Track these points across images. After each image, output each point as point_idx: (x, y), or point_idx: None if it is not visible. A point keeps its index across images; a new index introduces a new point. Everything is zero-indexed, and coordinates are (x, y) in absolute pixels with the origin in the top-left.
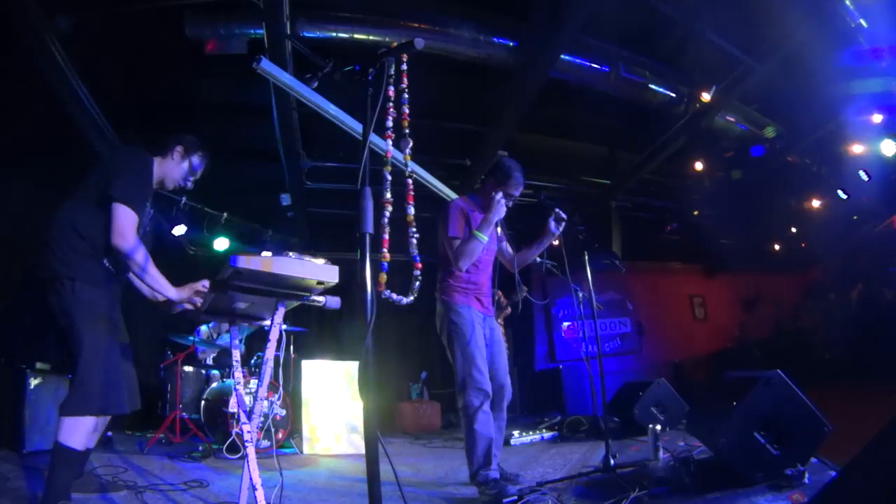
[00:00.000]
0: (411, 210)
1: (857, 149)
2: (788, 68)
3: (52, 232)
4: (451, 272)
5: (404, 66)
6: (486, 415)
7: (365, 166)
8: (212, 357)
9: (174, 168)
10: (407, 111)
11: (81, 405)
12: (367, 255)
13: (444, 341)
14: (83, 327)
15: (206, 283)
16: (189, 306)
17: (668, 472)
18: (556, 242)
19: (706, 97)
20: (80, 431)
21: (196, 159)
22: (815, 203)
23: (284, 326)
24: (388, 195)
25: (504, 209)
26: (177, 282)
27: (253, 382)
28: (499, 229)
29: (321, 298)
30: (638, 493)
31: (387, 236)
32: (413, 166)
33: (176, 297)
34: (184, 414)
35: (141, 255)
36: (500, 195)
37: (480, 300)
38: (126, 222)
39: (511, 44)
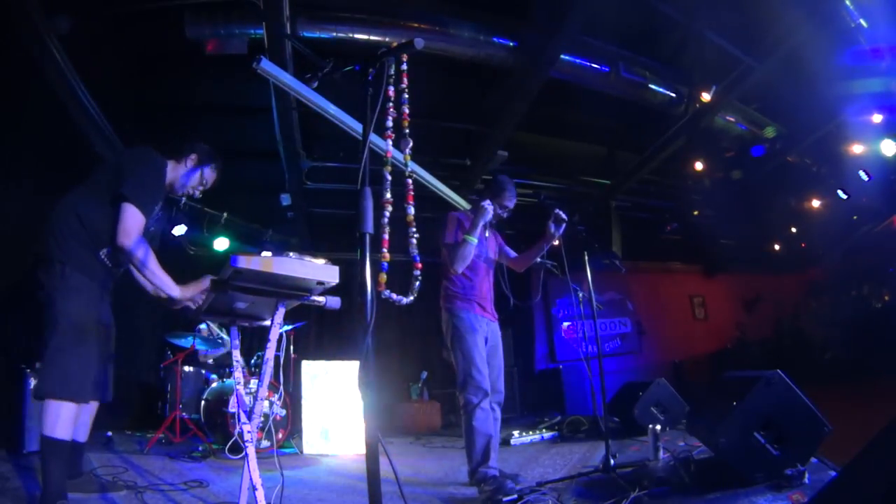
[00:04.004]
0: (411, 210)
1: (857, 149)
2: (788, 68)
3: (56, 215)
4: (451, 280)
5: (404, 66)
6: (485, 412)
7: (365, 166)
8: (212, 358)
9: (185, 175)
10: (407, 111)
11: (59, 388)
12: (367, 255)
13: (448, 344)
14: (62, 310)
15: (209, 279)
16: (191, 304)
17: (668, 472)
18: (556, 242)
19: (706, 97)
20: (62, 420)
21: (208, 170)
22: (815, 203)
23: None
24: (388, 195)
25: (489, 213)
26: (177, 282)
27: (253, 382)
28: (487, 232)
29: (321, 298)
30: (638, 493)
31: (387, 236)
32: (413, 166)
33: (179, 296)
34: (184, 414)
35: (143, 253)
36: (486, 202)
37: (481, 305)
38: (133, 223)
39: (511, 44)
